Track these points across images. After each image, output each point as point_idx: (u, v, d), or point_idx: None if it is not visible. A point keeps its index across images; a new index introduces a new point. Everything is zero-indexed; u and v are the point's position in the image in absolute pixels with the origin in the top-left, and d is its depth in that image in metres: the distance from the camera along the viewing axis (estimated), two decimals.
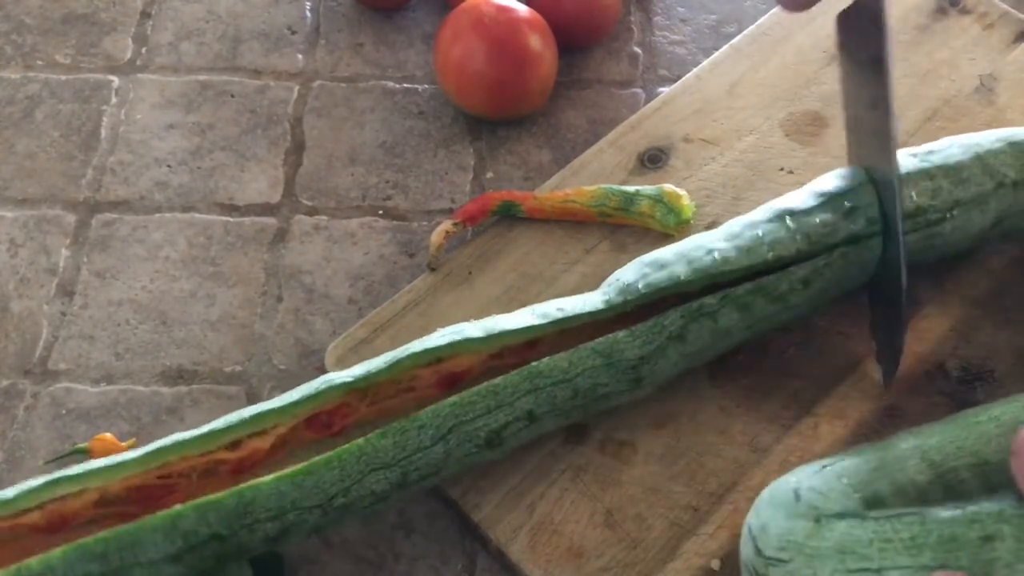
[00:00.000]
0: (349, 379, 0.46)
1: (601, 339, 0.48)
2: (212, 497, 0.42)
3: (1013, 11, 0.68)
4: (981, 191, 0.53)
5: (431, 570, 0.51)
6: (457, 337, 0.48)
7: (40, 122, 0.68)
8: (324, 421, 0.46)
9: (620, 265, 0.58)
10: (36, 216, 0.63)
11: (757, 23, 0.69)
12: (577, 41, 0.70)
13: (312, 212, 0.64)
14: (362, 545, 0.51)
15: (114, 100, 0.69)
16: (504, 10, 0.64)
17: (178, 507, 0.42)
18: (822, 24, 0.68)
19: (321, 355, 0.57)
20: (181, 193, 0.64)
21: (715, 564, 0.48)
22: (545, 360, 0.48)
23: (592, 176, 0.61)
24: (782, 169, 0.62)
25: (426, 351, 0.47)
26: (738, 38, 0.68)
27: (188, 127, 0.67)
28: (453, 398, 0.46)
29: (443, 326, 0.56)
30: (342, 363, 0.55)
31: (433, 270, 0.58)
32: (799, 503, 0.41)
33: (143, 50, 0.71)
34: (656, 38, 0.73)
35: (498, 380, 0.47)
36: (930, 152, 0.54)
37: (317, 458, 0.44)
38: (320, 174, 0.65)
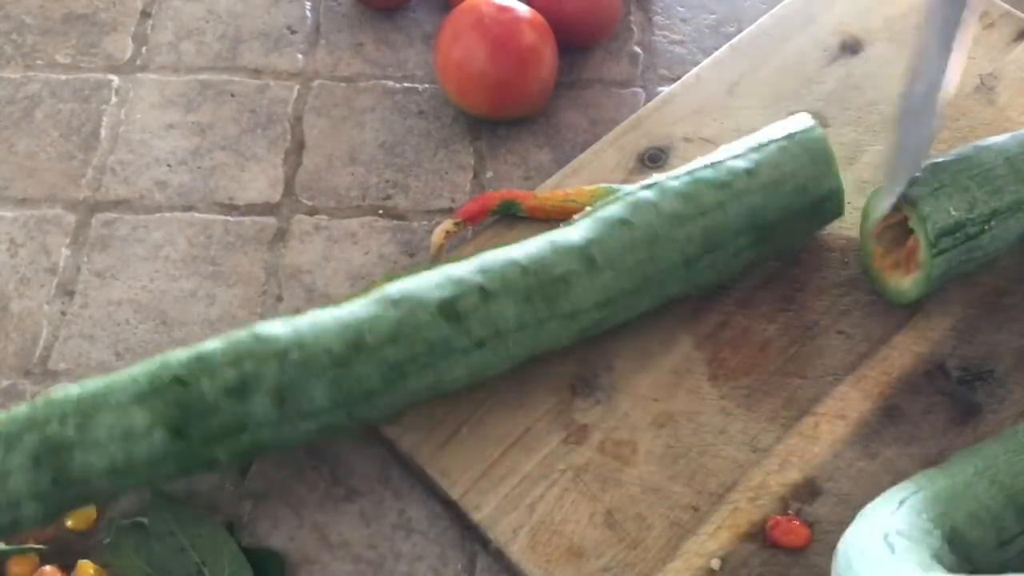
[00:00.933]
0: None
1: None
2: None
3: (1014, 10, 0.68)
4: (1017, 198, 0.53)
5: (431, 570, 0.51)
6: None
7: (40, 122, 0.68)
8: None
9: None
10: (36, 216, 0.63)
11: (757, 23, 0.69)
12: (577, 41, 0.69)
13: (312, 212, 0.64)
14: (362, 545, 0.51)
15: (114, 100, 0.69)
16: (504, 10, 0.64)
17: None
18: (822, 24, 0.68)
19: None
20: (181, 193, 0.64)
21: (715, 564, 0.48)
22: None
23: (592, 176, 0.61)
24: None
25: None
26: (738, 38, 0.68)
27: (188, 127, 0.67)
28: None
29: None
30: None
31: (435, 263, 0.58)
32: (895, 555, 0.40)
33: (143, 50, 0.71)
34: (656, 38, 0.72)
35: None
36: (956, 160, 0.54)
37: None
38: (320, 174, 0.65)
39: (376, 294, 0.49)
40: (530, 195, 0.60)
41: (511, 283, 0.49)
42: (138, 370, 0.46)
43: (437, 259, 0.58)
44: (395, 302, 0.48)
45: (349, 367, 0.47)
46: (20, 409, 0.46)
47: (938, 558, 0.40)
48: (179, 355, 0.47)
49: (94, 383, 0.46)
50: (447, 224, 0.59)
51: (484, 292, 0.48)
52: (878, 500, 0.43)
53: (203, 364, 0.46)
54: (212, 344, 0.47)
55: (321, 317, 0.48)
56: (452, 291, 0.48)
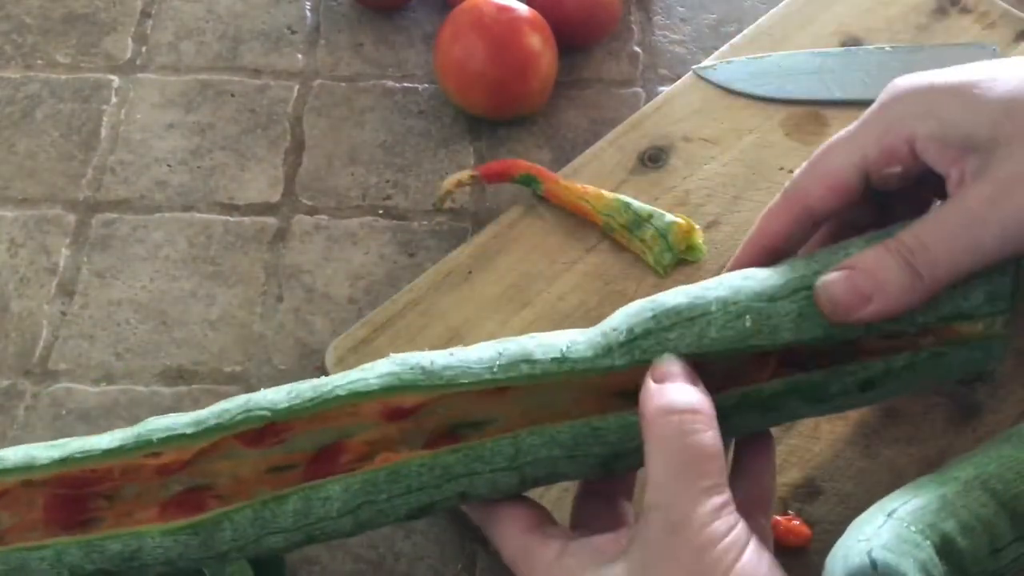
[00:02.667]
0: (268, 413, 0.40)
1: (567, 425, 0.39)
2: (96, 537, 0.40)
3: (1013, 10, 0.68)
4: None
5: (431, 570, 0.51)
6: (392, 381, 0.40)
7: (40, 122, 0.68)
8: (254, 436, 0.41)
9: (620, 265, 0.58)
10: (36, 216, 0.63)
11: (757, 23, 0.69)
12: (577, 41, 0.69)
13: (312, 212, 0.64)
14: (362, 545, 0.51)
15: (114, 100, 0.69)
16: (504, 10, 0.64)
17: (63, 540, 0.40)
18: (822, 24, 0.68)
19: (321, 355, 0.57)
20: (181, 193, 0.64)
21: None
22: (489, 443, 0.39)
23: (592, 176, 0.61)
24: (782, 168, 0.62)
25: (353, 395, 0.40)
26: (738, 38, 0.68)
27: (188, 127, 0.67)
28: (366, 473, 0.39)
29: (443, 326, 0.56)
30: (342, 363, 0.55)
31: (438, 210, 0.61)
32: (877, 570, 0.40)
33: (143, 50, 0.71)
34: (656, 37, 0.72)
35: (426, 458, 0.39)
36: None
37: (205, 516, 0.40)
38: (320, 174, 0.65)
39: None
40: (553, 177, 0.60)
41: None
42: (59, 546, 0.40)
43: (441, 205, 0.58)
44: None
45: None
46: None
47: (925, 570, 0.40)
48: (105, 545, 0.40)
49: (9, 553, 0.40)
50: (462, 174, 0.59)
51: None
52: (867, 512, 0.43)
53: (131, 563, 0.41)
54: (141, 534, 0.40)
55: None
56: None
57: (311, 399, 0.40)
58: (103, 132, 0.67)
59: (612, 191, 0.60)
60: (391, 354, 0.42)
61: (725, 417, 0.38)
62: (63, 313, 0.59)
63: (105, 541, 0.40)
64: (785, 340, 0.39)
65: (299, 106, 0.69)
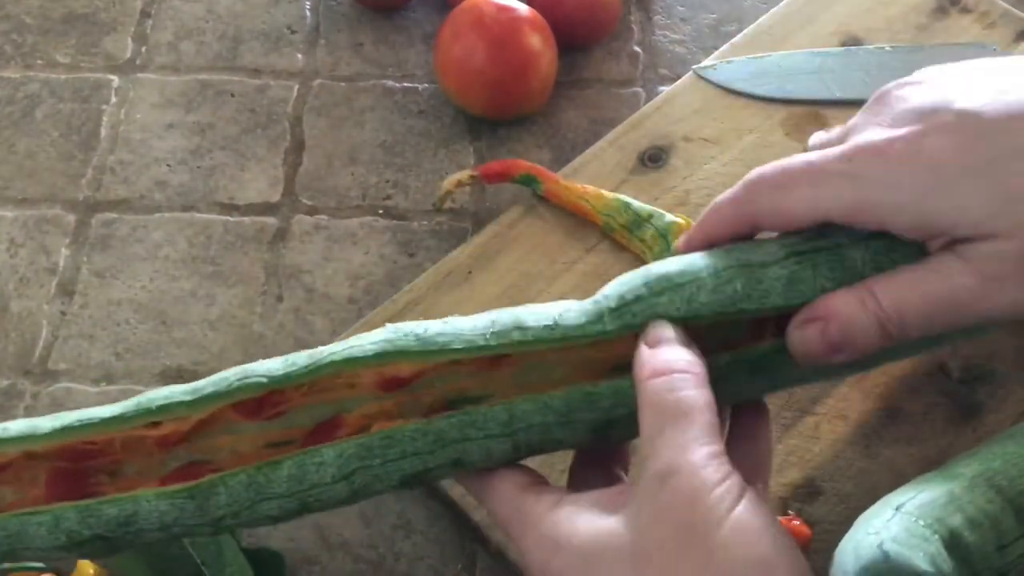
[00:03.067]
0: (264, 380, 0.41)
1: (561, 392, 0.39)
2: (94, 502, 0.40)
3: (1014, 10, 0.68)
4: None
5: (431, 570, 0.51)
6: (386, 347, 0.40)
7: (40, 122, 0.68)
8: (252, 407, 0.41)
9: (620, 265, 0.58)
10: (36, 216, 0.63)
11: (757, 22, 0.69)
12: (577, 40, 0.69)
13: (312, 211, 0.64)
14: (362, 545, 0.51)
15: (114, 100, 0.69)
16: (504, 9, 0.64)
17: (61, 505, 0.40)
18: (822, 24, 0.68)
19: None
20: (181, 192, 0.64)
21: None
22: (482, 409, 0.39)
23: (592, 176, 0.61)
24: None
25: (349, 360, 0.40)
26: (738, 37, 0.68)
27: (188, 126, 0.67)
28: (360, 439, 0.40)
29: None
30: None
31: (438, 210, 0.61)
32: (889, 561, 0.40)
33: (143, 50, 0.71)
34: (656, 37, 0.72)
35: (419, 424, 0.39)
36: None
37: (202, 480, 0.40)
38: (320, 173, 0.65)
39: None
40: (553, 177, 0.60)
41: None
42: (56, 512, 0.41)
43: (441, 205, 0.59)
44: None
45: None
46: None
47: (935, 564, 0.40)
48: (102, 510, 0.41)
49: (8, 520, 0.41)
50: (462, 174, 0.60)
51: None
52: (874, 507, 0.43)
53: (127, 528, 0.41)
54: (136, 498, 0.41)
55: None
56: None
57: (307, 365, 0.40)
58: (103, 132, 0.67)
59: (612, 191, 0.60)
60: (387, 324, 0.42)
61: (717, 380, 0.38)
62: (63, 313, 0.59)
63: (102, 505, 0.40)
64: (775, 304, 0.39)
65: (299, 106, 0.69)
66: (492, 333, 0.40)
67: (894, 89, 0.41)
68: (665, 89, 0.67)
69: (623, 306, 0.40)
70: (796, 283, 0.39)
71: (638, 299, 0.40)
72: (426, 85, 0.70)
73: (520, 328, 0.40)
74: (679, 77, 0.67)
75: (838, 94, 0.65)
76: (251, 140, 0.67)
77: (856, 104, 0.64)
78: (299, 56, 0.71)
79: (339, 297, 0.60)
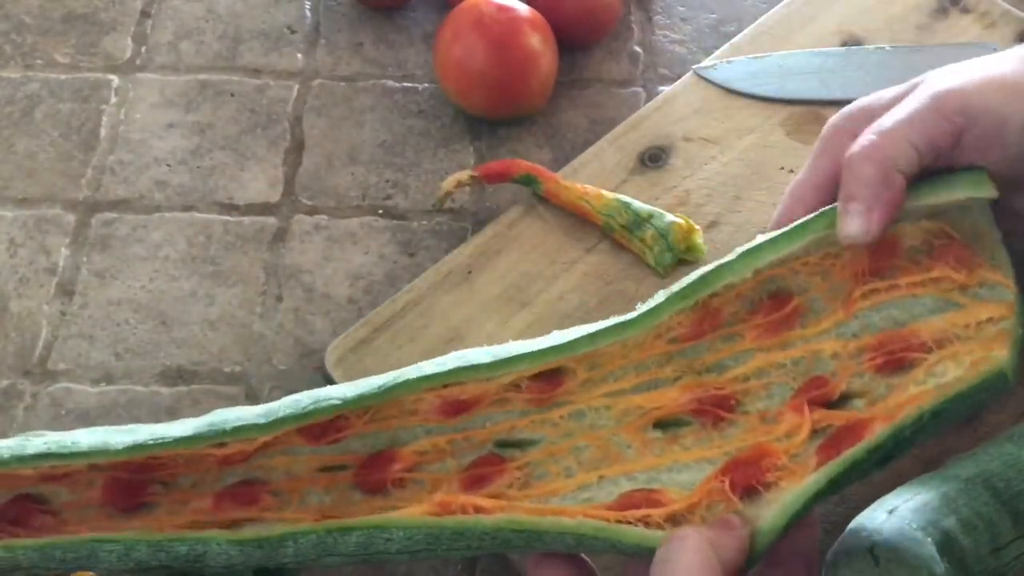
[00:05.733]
0: (338, 402, 0.42)
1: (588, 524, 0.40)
2: (164, 536, 0.41)
3: (1014, 10, 0.68)
4: None
5: (431, 570, 0.51)
6: (460, 363, 0.42)
7: (40, 122, 0.67)
8: (316, 432, 0.43)
9: (620, 265, 0.58)
10: (36, 216, 0.63)
11: (757, 22, 0.69)
12: (577, 40, 0.69)
13: (312, 211, 0.64)
14: None
15: (114, 100, 0.69)
16: (504, 9, 0.63)
17: (132, 535, 0.41)
18: (822, 24, 0.68)
19: (321, 355, 0.57)
20: (181, 192, 0.64)
21: None
22: (554, 532, 0.40)
23: (592, 176, 0.61)
24: (783, 168, 0.62)
25: (422, 379, 0.42)
26: (738, 37, 0.68)
27: (188, 126, 0.67)
28: (429, 521, 0.40)
29: (443, 325, 0.56)
30: (342, 363, 0.55)
31: (438, 210, 0.62)
32: (879, 568, 0.40)
33: (143, 49, 0.71)
34: (656, 37, 0.72)
35: (494, 525, 0.40)
36: None
37: (271, 531, 0.41)
38: (320, 173, 0.65)
39: None
40: (554, 177, 0.60)
41: None
42: (127, 541, 0.42)
43: (441, 206, 0.59)
44: None
45: None
46: (22, 543, 0.42)
47: (927, 567, 0.40)
48: (173, 546, 0.41)
49: (78, 542, 0.42)
50: (462, 174, 0.60)
51: None
52: (868, 510, 0.43)
53: (194, 564, 0.42)
54: (207, 539, 0.42)
55: None
56: None
57: (380, 386, 0.42)
58: (103, 132, 0.67)
59: (612, 191, 0.60)
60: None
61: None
62: (63, 313, 0.59)
63: (173, 543, 0.41)
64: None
65: (299, 106, 0.69)
66: (562, 343, 0.42)
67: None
68: (665, 89, 0.67)
69: (683, 289, 0.41)
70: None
71: (700, 279, 0.41)
72: (426, 85, 0.70)
73: (589, 336, 0.41)
74: (679, 77, 0.67)
75: (838, 94, 0.65)
76: (251, 140, 0.67)
77: None
78: (299, 56, 0.71)
79: (339, 297, 0.60)
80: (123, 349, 0.58)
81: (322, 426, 0.42)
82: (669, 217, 0.58)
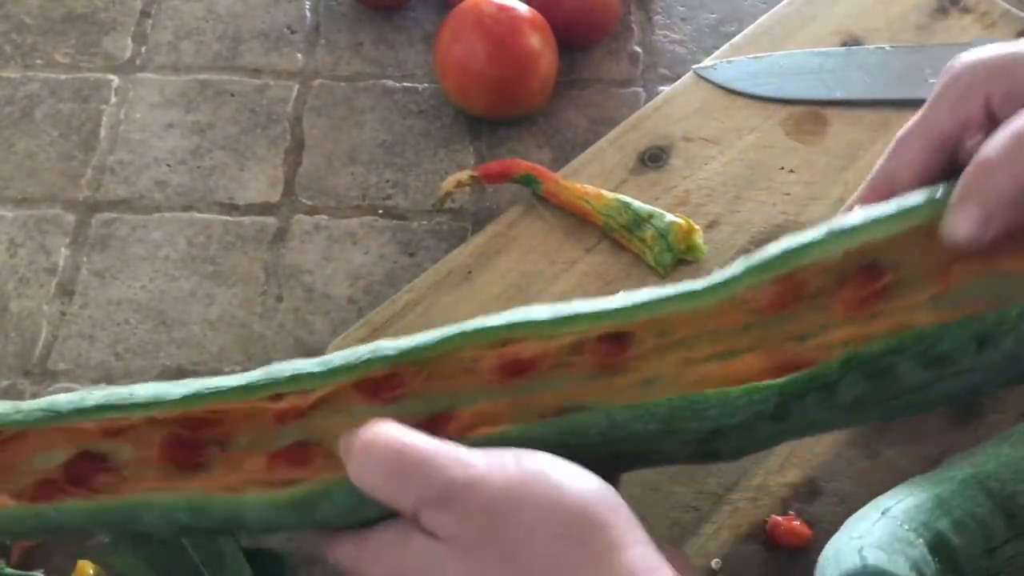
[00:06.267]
0: (393, 353, 0.41)
1: (664, 399, 0.38)
2: (204, 500, 0.41)
3: (1014, 10, 0.68)
4: None
5: None
6: (518, 318, 0.40)
7: (40, 122, 0.67)
8: (371, 388, 0.42)
9: (620, 265, 0.58)
10: (36, 216, 0.63)
11: (757, 22, 0.69)
12: (577, 40, 0.69)
13: (312, 211, 0.64)
14: None
15: (114, 99, 0.69)
16: (504, 9, 0.63)
17: (172, 498, 0.41)
18: (822, 24, 0.68)
19: (321, 355, 0.56)
20: (181, 192, 0.64)
21: (715, 564, 0.48)
22: (582, 415, 0.39)
23: (592, 176, 0.61)
24: (783, 168, 0.62)
25: (480, 331, 0.40)
26: (738, 37, 0.68)
27: (188, 126, 0.67)
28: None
29: (443, 325, 0.56)
30: None
31: (438, 210, 0.62)
32: (867, 570, 0.40)
33: (143, 49, 0.71)
34: (656, 37, 0.72)
35: (521, 427, 0.39)
36: None
37: (308, 492, 0.41)
38: (320, 173, 0.65)
39: None
40: (553, 177, 0.60)
41: None
42: (168, 505, 0.41)
43: (441, 206, 0.60)
44: None
45: None
46: (74, 505, 0.43)
47: (917, 568, 0.40)
48: (211, 509, 0.41)
49: (124, 504, 0.42)
50: (462, 174, 0.60)
51: None
52: (863, 510, 0.43)
53: (235, 524, 0.42)
54: (244, 503, 0.41)
55: None
56: None
57: (437, 337, 0.41)
58: (102, 132, 0.67)
59: (612, 191, 0.60)
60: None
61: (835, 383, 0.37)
62: (62, 313, 0.59)
63: (212, 508, 0.41)
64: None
65: (299, 106, 0.69)
66: (629, 305, 0.40)
67: None
68: (665, 89, 0.67)
69: (763, 260, 0.39)
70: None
71: (783, 254, 0.39)
72: (426, 85, 0.70)
73: (658, 300, 0.40)
74: (679, 77, 0.67)
75: (838, 94, 0.65)
76: (251, 140, 0.67)
77: (856, 104, 0.64)
78: (299, 56, 0.71)
79: (339, 297, 0.60)
80: (123, 349, 0.58)
81: (378, 381, 0.41)
82: (669, 217, 0.58)
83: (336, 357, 0.42)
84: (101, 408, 0.42)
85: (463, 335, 0.40)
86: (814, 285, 0.39)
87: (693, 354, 0.39)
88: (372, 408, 0.41)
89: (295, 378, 0.41)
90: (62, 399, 0.42)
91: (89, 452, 0.42)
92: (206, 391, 0.42)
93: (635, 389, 0.39)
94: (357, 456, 0.37)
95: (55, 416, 0.42)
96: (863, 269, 0.39)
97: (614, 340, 0.40)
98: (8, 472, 0.42)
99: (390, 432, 0.37)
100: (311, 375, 0.41)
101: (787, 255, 0.39)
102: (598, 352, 0.40)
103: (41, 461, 0.42)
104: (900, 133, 0.42)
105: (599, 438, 0.38)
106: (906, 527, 0.41)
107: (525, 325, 0.40)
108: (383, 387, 0.41)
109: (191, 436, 0.42)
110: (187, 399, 0.42)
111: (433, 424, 0.40)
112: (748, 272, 0.39)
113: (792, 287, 0.39)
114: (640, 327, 0.40)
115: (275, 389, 0.41)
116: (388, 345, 0.41)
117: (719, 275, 0.40)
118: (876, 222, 0.39)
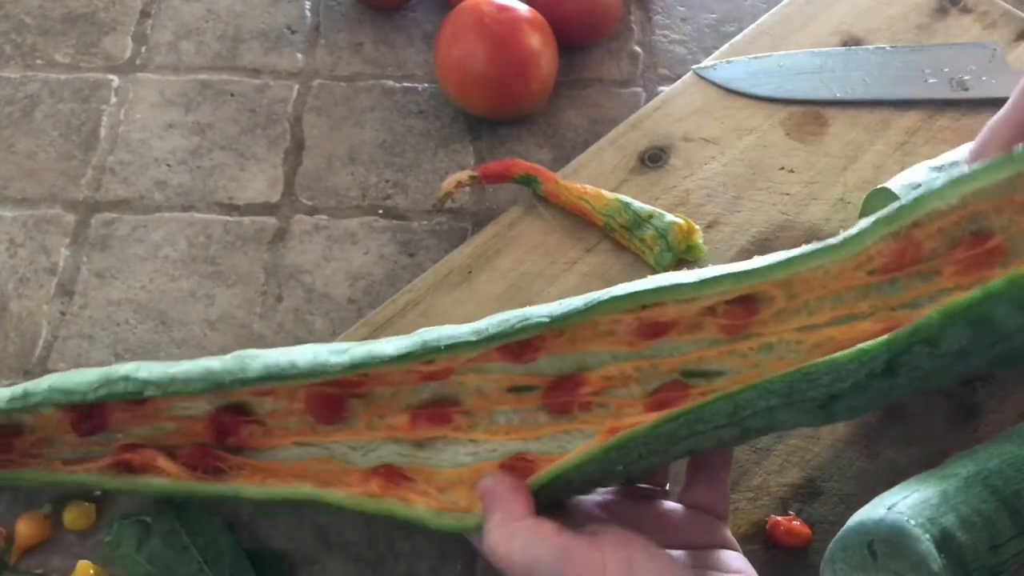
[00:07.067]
0: (546, 319, 0.43)
1: (779, 375, 0.40)
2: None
3: (1014, 10, 0.68)
4: None
5: (431, 570, 0.51)
6: (664, 282, 0.42)
7: (40, 122, 0.67)
8: (515, 350, 0.44)
9: (620, 265, 0.58)
10: (36, 216, 0.63)
11: (757, 22, 0.69)
12: (577, 40, 0.69)
13: (312, 212, 0.64)
14: (362, 545, 0.51)
15: (114, 99, 0.69)
16: (504, 9, 0.63)
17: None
18: (822, 23, 0.68)
19: None
20: (181, 192, 0.64)
21: None
22: (707, 405, 0.41)
23: (592, 176, 0.61)
24: (782, 168, 0.62)
25: (628, 296, 0.42)
26: (738, 37, 0.68)
27: (188, 126, 0.67)
28: (592, 451, 0.42)
29: (443, 325, 0.56)
30: None
31: (438, 210, 0.62)
32: (876, 562, 0.40)
33: (143, 49, 0.71)
34: (656, 37, 0.72)
35: (648, 427, 0.41)
36: (954, 163, 0.53)
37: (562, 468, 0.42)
38: (320, 173, 0.65)
39: None
40: (553, 177, 0.60)
41: None
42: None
43: (441, 206, 0.60)
44: None
45: None
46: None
47: (924, 564, 0.40)
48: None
49: None
50: (462, 175, 0.60)
51: None
52: (867, 506, 0.43)
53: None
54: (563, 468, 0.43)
55: None
56: None
57: (586, 302, 0.43)
58: (103, 132, 0.67)
59: (612, 191, 0.60)
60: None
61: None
62: (62, 313, 0.59)
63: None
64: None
65: (299, 106, 0.69)
66: (763, 266, 0.42)
67: None
68: (665, 89, 0.67)
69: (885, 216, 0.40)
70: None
71: (907, 204, 0.40)
72: (426, 85, 0.70)
73: (787, 260, 0.41)
74: (679, 77, 0.67)
75: (838, 94, 0.65)
76: (251, 140, 0.67)
77: (856, 104, 0.64)
78: (299, 56, 0.71)
79: (339, 297, 0.60)
80: (123, 349, 0.58)
81: (521, 344, 0.44)
82: (669, 217, 0.58)
83: (488, 325, 0.44)
84: (263, 379, 0.44)
85: (613, 300, 0.42)
86: (929, 248, 0.40)
87: (814, 319, 0.41)
88: (507, 367, 0.44)
89: (453, 347, 0.43)
90: (216, 366, 0.45)
91: (232, 404, 0.46)
92: (367, 360, 0.44)
93: (755, 354, 0.42)
94: None
95: (215, 386, 0.45)
96: (974, 234, 0.40)
97: (745, 303, 0.42)
98: (151, 420, 0.46)
99: None
100: (467, 343, 0.43)
101: (910, 205, 0.40)
102: (729, 315, 0.42)
103: (183, 410, 0.46)
104: (991, 120, 0.44)
105: (726, 420, 0.41)
106: (912, 522, 0.41)
107: (670, 290, 0.42)
108: (526, 348, 0.44)
109: (336, 392, 0.45)
110: (348, 369, 0.44)
111: (564, 385, 0.44)
112: (875, 226, 0.41)
113: (911, 246, 0.40)
114: (774, 286, 0.42)
115: (435, 356, 0.44)
116: (539, 311, 0.43)
117: (849, 231, 0.41)
118: (989, 166, 0.39)
